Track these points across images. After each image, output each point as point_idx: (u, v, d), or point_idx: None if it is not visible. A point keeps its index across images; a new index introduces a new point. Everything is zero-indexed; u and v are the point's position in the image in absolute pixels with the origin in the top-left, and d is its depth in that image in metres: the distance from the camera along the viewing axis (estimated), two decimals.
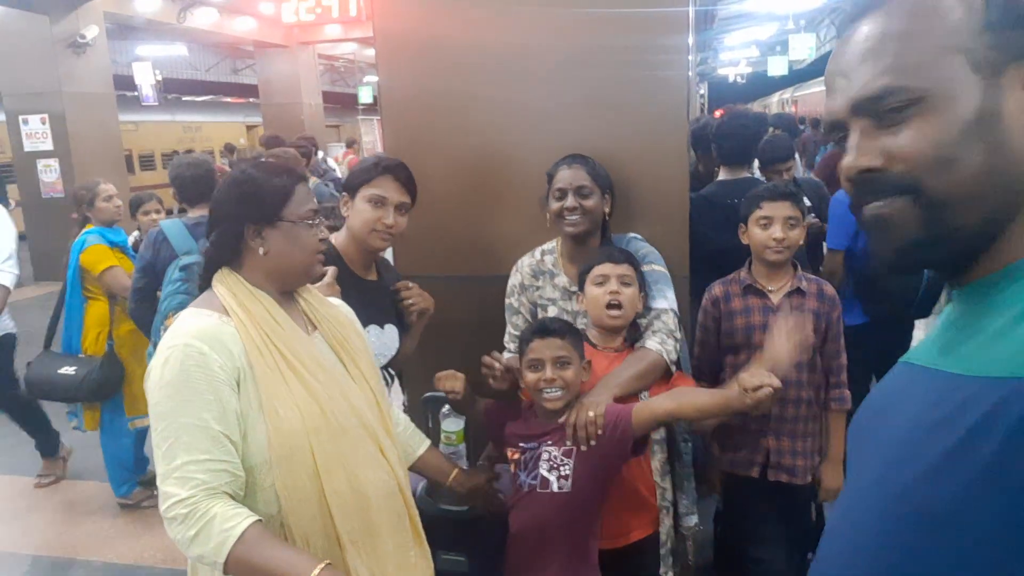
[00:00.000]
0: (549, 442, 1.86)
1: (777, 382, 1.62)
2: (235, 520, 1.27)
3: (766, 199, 2.31)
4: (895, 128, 0.69)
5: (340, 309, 1.72)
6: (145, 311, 3.19)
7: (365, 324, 2.02)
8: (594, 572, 1.86)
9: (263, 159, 3.30)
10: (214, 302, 1.46)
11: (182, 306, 2.81)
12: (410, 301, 2.15)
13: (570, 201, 2.09)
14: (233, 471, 1.34)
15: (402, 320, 2.18)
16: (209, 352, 1.35)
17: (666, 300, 2.11)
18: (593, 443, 1.78)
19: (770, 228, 2.29)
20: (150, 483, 3.81)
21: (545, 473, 1.84)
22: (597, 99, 2.41)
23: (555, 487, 1.82)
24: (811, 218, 3.44)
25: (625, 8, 2.34)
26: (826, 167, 5.55)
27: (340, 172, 9.57)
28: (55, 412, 4.11)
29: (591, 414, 1.79)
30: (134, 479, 3.92)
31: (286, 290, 1.54)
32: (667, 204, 2.42)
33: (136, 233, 4.10)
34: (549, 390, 1.83)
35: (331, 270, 1.94)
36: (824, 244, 3.50)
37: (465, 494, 1.88)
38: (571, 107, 2.43)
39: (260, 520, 1.31)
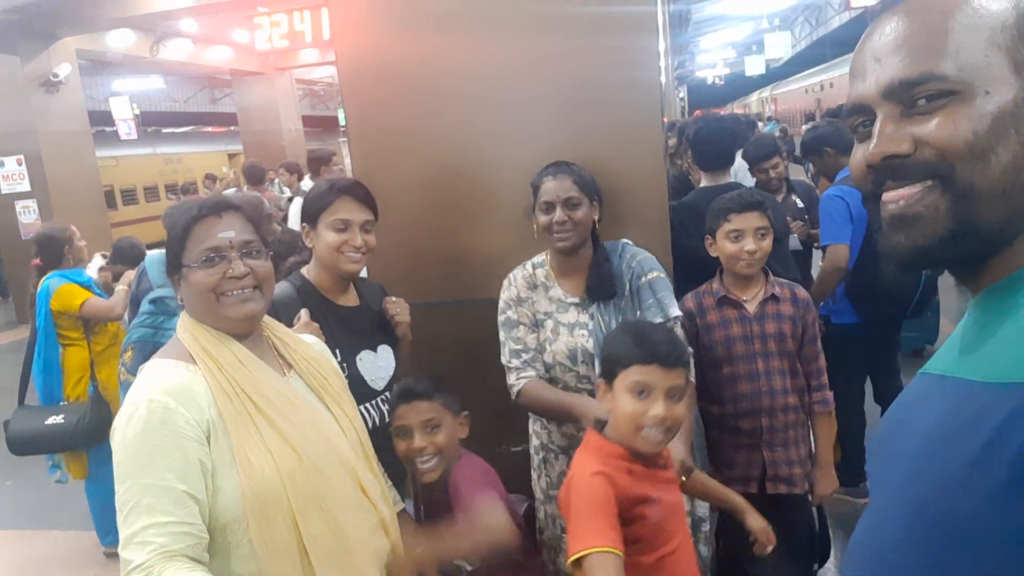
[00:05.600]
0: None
1: None
2: None
3: (734, 211, 2.27)
4: (926, 117, 0.68)
5: (314, 347, 1.65)
6: None
7: (356, 351, 2.00)
8: None
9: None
10: (179, 349, 1.41)
11: (142, 339, 2.79)
12: (393, 312, 2.10)
13: (559, 215, 1.99)
14: (197, 533, 1.27)
15: (395, 338, 2.13)
16: (175, 407, 1.29)
17: (674, 308, 2.08)
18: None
19: (741, 241, 2.25)
20: None
21: None
22: (567, 107, 2.36)
23: None
24: (797, 225, 3.39)
25: (591, 7, 2.29)
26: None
27: None
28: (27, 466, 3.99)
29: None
30: None
31: (230, 333, 1.44)
32: (645, 211, 2.36)
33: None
34: (421, 459, 1.72)
35: (303, 312, 1.89)
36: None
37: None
38: (541, 117, 2.38)
39: None
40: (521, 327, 2.13)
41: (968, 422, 0.60)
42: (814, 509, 2.53)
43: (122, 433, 1.29)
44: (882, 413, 3.72)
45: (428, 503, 1.88)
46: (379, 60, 2.46)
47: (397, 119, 2.48)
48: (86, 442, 3.56)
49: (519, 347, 2.11)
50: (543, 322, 2.12)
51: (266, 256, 1.48)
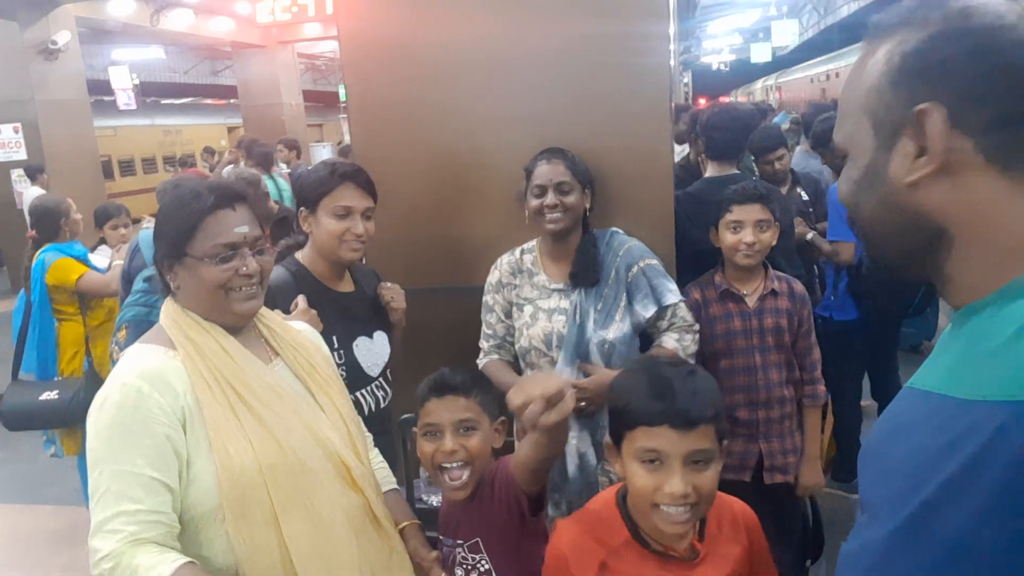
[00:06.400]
0: (458, 540, 1.51)
1: (551, 387, 1.18)
2: (158, 569, 1.17)
3: (736, 202, 2.29)
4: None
5: (304, 334, 1.61)
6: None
7: (353, 338, 1.98)
8: None
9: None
10: (161, 335, 1.38)
11: (136, 318, 2.74)
12: (388, 298, 2.07)
13: (550, 198, 2.03)
14: (167, 522, 1.24)
15: (389, 323, 2.11)
16: (149, 392, 1.26)
17: (673, 293, 2.10)
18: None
19: (741, 232, 2.27)
20: None
21: None
22: (573, 93, 2.31)
23: None
24: (798, 221, 3.35)
25: None
26: None
27: None
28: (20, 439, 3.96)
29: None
30: None
31: (223, 324, 1.41)
32: (650, 201, 2.33)
33: (103, 248, 3.99)
34: (449, 465, 1.46)
35: (300, 298, 1.85)
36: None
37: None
38: (546, 103, 2.33)
39: (191, 562, 1.21)
40: (494, 313, 2.19)
41: (955, 440, 0.60)
42: (808, 505, 2.54)
43: (96, 418, 1.27)
44: (879, 409, 3.71)
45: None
46: (383, 39, 2.40)
47: (399, 101, 2.42)
48: (81, 418, 3.51)
49: (489, 332, 2.21)
50: (522, 307, 2.14)
51: (269, 252, 1.46)
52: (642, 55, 2.27)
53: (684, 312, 2.11)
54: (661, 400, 1.21)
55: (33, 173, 9.32)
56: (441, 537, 1.58)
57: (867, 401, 3.77)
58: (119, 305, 3.76)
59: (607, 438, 1.34)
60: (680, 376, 1.26)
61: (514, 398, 1.20)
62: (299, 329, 1.61)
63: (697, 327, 2.13)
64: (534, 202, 2.05)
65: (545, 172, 2.04)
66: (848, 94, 0.77)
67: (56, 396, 3.46)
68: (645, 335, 2.14)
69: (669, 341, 2.08)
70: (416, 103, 2.42)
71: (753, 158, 3.60)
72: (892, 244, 0.76)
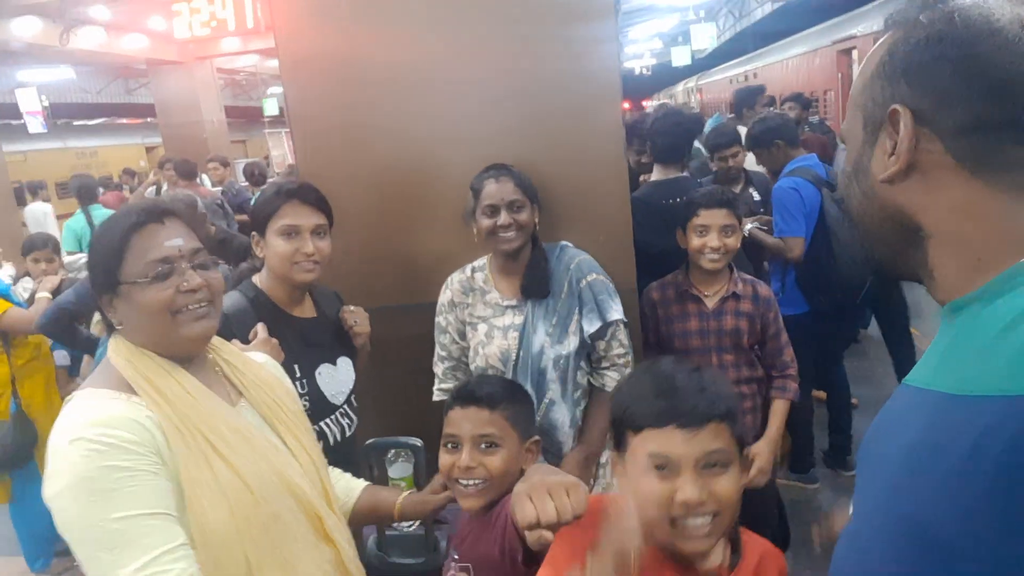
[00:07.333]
0: (456, 556, 1.44)
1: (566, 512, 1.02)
2: None
3: (703, 206, 2.33)
4: None
5: (266, 368, 1.50)
6: (60, 330, 3.06)
7: (316, 365, 1.89)
8: None
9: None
10: (112, 378, 1.22)
11: None
12: (352, 323, 2.00)
13: (504, 218, 1.98)
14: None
15: (353, 348, 2.03)
16: (123, 432, 1.12)
17: (615, 311, 2.06)
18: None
19: (707, 236, 2.30)
20: (68, 552, 3.48)
21: None
22: (521, 102, 2.28)
23: None
24: (752, 225, 3.40)
25: None
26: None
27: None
28: None
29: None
30: (51, 550, 3.56)
31: (176, 357, 1.28)
32: (607, 211, 2.32)
33: (26, 282, 3.76)
34: (466, 482, 1.37)
35: (260, 327, 1.76)
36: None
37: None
38: (494, 113, 2.30)
39: None
40: (448, 335, 2.16)
41: (946, 436, 0.60)
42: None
43: (66, 479, 1.10)
44: (827, 397, 3.80)
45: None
46: (323, 54, 2.32)
47: (342, 114, 2.35)
48: (9, 464, 3.32)
49: (444, 353, 2.18)
50: (475, 326, 2.11)
51: (215, 266, 1.33)
52: (591, 60, 2.25)
53: (623, 336, 2.08)
54: (665, 398, 1.11)
55: (34, 189, 9.02)
56: (452, 547, 1.51)
57: (818, 392, 3.86)
58: (46, 342, 3.56)
59: (611, 452, 1.24)
60: (685, 373, 1.16)
61: (523, 514, 1.02)
62: (260, 363, 1.50)
63: (630, 356, 2.11)
64: (486, 222, 2.00)
65: (495, 191, 2.00)
66: (853, 87, 0.78)
67: None
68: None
69: (610, 382, 2.07)
70: (361, 118, 2.35)
71: (708, 154, 3.69)
72: (877, 238, 0.77)
